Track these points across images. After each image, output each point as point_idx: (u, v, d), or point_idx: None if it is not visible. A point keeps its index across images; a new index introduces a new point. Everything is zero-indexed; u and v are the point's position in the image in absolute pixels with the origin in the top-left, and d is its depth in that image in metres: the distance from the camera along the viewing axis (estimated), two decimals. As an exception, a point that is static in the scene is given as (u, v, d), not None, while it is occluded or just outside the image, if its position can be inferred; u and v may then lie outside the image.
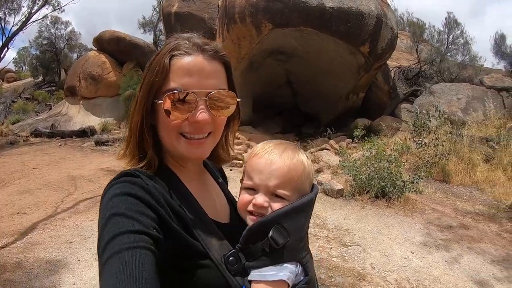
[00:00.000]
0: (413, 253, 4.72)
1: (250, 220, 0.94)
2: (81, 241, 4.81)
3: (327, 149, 10.44)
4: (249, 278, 0.88)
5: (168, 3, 14.36)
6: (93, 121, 13.89)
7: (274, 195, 0.93)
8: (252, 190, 0.95)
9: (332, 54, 12.02)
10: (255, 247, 0.87)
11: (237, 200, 1.06)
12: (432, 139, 8.37)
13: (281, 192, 0.92)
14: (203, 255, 0.85)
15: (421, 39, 14.93)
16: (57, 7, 16.28)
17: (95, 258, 4.22)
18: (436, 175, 8.05)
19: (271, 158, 0.95)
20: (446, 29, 14.33)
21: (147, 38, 21.81)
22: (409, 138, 9.51)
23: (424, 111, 9.22)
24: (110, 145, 10.46)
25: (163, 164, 0.94)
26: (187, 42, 0.89)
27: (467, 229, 5.59)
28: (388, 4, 11.82)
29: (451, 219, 5.99)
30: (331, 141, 11.06)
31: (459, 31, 14.17)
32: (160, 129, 0.91)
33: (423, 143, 8.35)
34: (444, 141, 8.41)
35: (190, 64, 0.87)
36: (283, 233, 0.86)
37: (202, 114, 0.86)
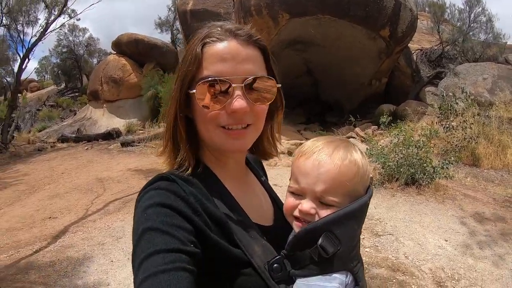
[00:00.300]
0: (447, 240, 4.62)
1: (296, 227, 0.88)
2: (113, 242, 4.92)
3: (353, 137, 10.31)
4: (295, 287, 0.83)
5: (182, 1, 14.39)
6: (118, 123, 14.14)
7: (321, 201, 0.85)
8: (299, 194, 0.88)
9: (351, 40, 11.82)
10: (302, 255, 0.82)
11: (281, 199, 1.03)
12: (460, 122, 8.15)
13: (329, 199, 0.84)
14: (245, 263, 0.80)
15: (442, 19, 14.48)
16: (73, 16, 16.61)
17: (128, 258, 4.30)
18: (466, 159, 7.84)
19: (319, 159, 0.86)
20: (467, 7, 13.85)
21: (165, 37, 22.15)
22: (436, 122, 9.28)
23: (450, 94, 8.96)
24: (136, 145, 10.63)
25: (201, 163, 0.90)
26: (219, 29, 0.85)
27: (500, 215, 5.43)
28: (406, -14, 11.48)
29: (483, 204, 5.83)
30: (357, 129, 10.91)
31: (480, 9, 13.67)
32: (197, 122, 0.87)
33: (450, 126, 8.14)
34: (472, 124, 8.17)
35: (223, 50, 0.82)
36: (333, 241, 0.80)
37: (238, 102, 0.80)
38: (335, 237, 0.81)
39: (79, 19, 29.70)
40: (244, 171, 1.03)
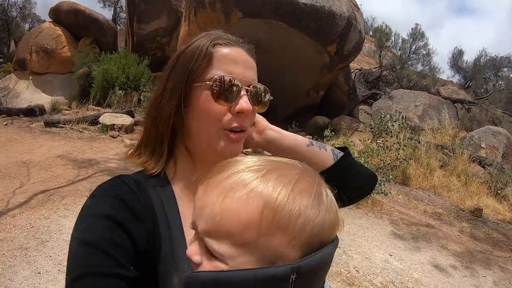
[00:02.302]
0: (391, 255, 4.82)
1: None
2: (38, 246, 4.14)
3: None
4: None
5: (133, -21, 13.55)
6: (43, 99, 12.64)
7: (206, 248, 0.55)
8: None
9: (298, 50, 12.05)
10: None
11: None
12: (394, 143, 8.68)
13: (212, 247, 0.53)
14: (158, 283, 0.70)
15: (384, 45, 15.55)
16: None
17: (59, 270, 3.71)
18: (397, 178, 8.36)
19: (210, 183, 0.56)
20: (411, 39, 15.06)
21: (106, 14, 20.59)
22: (370, 140, 9.79)
23: (388, 115, 9.50)
24: (61, 127, 9.59)
25: (166, 179, 0.84)
26: (226, 36, 0.85)
27: (435, 233, 5.86)
28: (359, 8, 12.07)
29: (417, 221, 6.25)
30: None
31: (422, 43, 15.00)
32: (196, 121, 0.81)
33: (385, 146, 8.63)
34: (405, 146, 8.75)
35: (235, 54, 0.82)
36: None
37: (246, 103, 0.80)
38: None
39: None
40: None
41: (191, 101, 0.82)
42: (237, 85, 0.80)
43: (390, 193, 7.05)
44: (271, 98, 0.90)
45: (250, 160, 0.57)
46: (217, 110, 0.80)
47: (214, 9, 11.11)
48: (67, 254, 0.68)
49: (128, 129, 9.86)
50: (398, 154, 8.45)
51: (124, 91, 11.57)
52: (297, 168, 0.57)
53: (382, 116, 9.65)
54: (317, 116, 12.83)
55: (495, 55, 19.81)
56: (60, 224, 4.64)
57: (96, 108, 11.43)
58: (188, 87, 0.81)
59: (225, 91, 0.79)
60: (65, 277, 0.66)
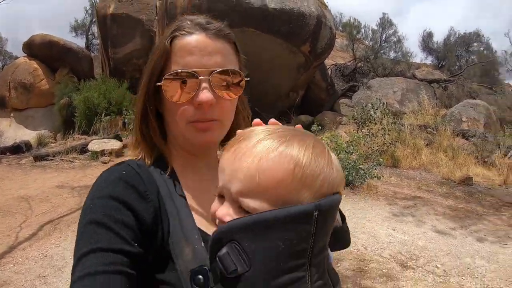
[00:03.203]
0: (394, 230, 5.06)
1: None
2: (55, 272, 4.20)
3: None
4: None
5: (103, 4, 13.58)
6: (27, 134, 12.49)
7: (240, 207, 0.61)
8: (222, 197, 0.66)
9: (273, 54, 12.29)
10: (213, 268, 0.61)
11: None
12: (379, 129, 8.98)
13: (248, 205, 0.59)
14: (170, 263, 0.72)
15: (356, 38, 16.01)
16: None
17: None
18: (387, 162, 8.63)
19: (238, 150, 0.62)
20: (380, 28, 15.57)
21: (79, 42, 20.49)
22: (356, 130, 10.09)
23: (369, 104, 9.82)
24: (51, 159, 9.55)
25: (164, 158, 0.86)
26: (189, 22, 0.84)
27: (430, 204, 6.15)
28: (326, 6, 12.43)
29: (413, 197, 6.53)
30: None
31: (392, 31, 15.52)
32: (167, 117, 0.86)
33: (371, 133, 8.91)
34: (390, 131, 9.06)
35: (191, 43, 0.81)
36: (241, 255, 0.56)
37: (204, 94, 0.78)
38: (243, 251, 0.56)
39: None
40: (212, 178, 0.84)
41: (161, 99, 0.85)
42: (193, 76, 0.79)
43: (383, 176, 7.31)
44: (247, 79, 0.88)
45: (269, 128, 0.64)
46: (179, 105, 0.80)
47: (187, 24, 11.27)
48: (76, 235, 0.71)
49: (119, 153, 9.90)
50: (384, 139, 8.75)
51: (108, 117, 11.59)
52: (310, 135, 0.65)
53: (364, 106, 9.96)
54: (300, 115, 13.09)
55: (463, 32, 20.63)
56: (72, 250, 4.69)
57: (82, 137, 11.41)
58: (152, 85, 0.83)
59: (181, 86, 0.79)
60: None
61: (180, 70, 0.79)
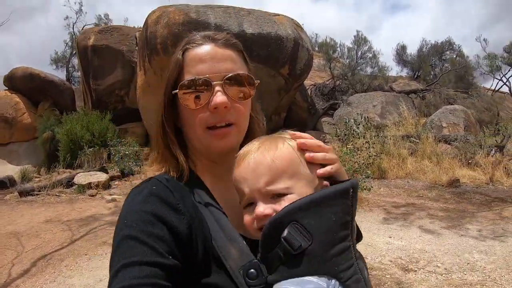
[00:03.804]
0: (391, 237, 5.14)
1: None
2: None
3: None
4: None
5: (83, 36, 13.67)
6: (10, 170, 12.13)
7: (273, 197, 0.75)
8: (251, 205, 0.77)
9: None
10: (272, 255, 0.70)
11: None
12: (363, 144, 9.17)
13: (277, 187, 0.74)
14: (219, 265, 0.76)
15: (332, 57, 16.49)
16: None
17: None
18: (374, 174, 8.79)
19: (249, 159, 0.78)
20: (355, 46, 16.12)
21: (60, 74, 20.38)
22: (341, 147, 10.25)
23: (351, 120, 10.05)
24: (37, 194, 9.33)
25: (189, 169, 0.89)
26: (198, 36, 0.90)
27: (422, 209, 6.30)
28: (302, 28, 12.81)
29: (404, 205, 6.69)
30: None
31: (367, 47, 16.09)
32: (185, 127, 0.90)
33: (356, 148, 9.09)
34: (374, 143, 9.27)
35: (202, 53, 0.86)
36: (302, 233, 0.67)
37: (218, 97, 0.83)
38: (304, 228, 0.68)
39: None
40: None
41: (179, 109, 0.88)
42: (207, 82, 0.83)
43: (372, 187, 7.43)
44: (258, 81, 0.93)
45: (257, 140, 0.83)
46: (195, 112, 0.84)
47: (168, 54, 11.34)
48: (111, 252, 0.73)
49: (105, 185, 9.77)
50: (369, 152, 8.93)
51: (92, 149, 11.47)
52: (277, 136, 0.85)
53: (346, 121, 10.18)
54: (283, 137, 13.22)
55: (435, 42, 21.41)
56: (69, 284, 4.57)
57: (67, 170, 11.22)
58: (169, 97, 0.87)
59: (196, 92, 0.83)
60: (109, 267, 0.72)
61: (193, 78, 0.83)
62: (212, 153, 0.89)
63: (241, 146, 0.91)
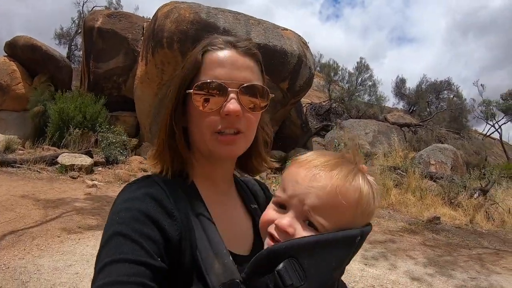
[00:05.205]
0: (366, 265, 5.18)
1: (266, 245, 0.75)
2: (19, 286, 3.96)
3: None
4: None
5: (92, 17, 13.59)
6: None
7: (306, 221, 0.71)
8: (282, 207, 0.75)
9: (252, 89, 12.55)
10: (259, 282, 0.69)
11: None
12: (350, 169, 9.27)
13: (318, 219, 0.70)
14: (199, 277, 0.75)
15: (333, 79, 16.72)
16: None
17: None
18: (357, 200, 8.91)
19: (316, 172, 0.73)
20: (357, 72, 16.40)
21: (61, 51, 20.07)
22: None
23: (342, 144, 10.17)
24: (18, 167, 9.16)
25: (186, 172, 0.90)
26: (220, 40, 0.90)
27: (400, 241, 6.38)
28: (308, 46, 12.96)
29: (382, 234, 6.73)
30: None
31: (368, 75, 16.39)
32: (192, 127, 0.89)
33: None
34: (361, 170, 9.39)
35: (222, 57, 0.86)
36: (297, 271, 0.66)
37: (232, 104, 0.82)
38: (300, 267, 0.66)
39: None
40: (228, 190, 0.99)
41: (188, 109, 0.87)
42: (222, 88, 0.82)
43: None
44: (273, 95, 0.92)
45: (336, 158, 0.78)
46: (206, 115, 0.83)
47: (172, 49, 11.37)
48: (99, 247, 0.71)
49: (88, 170, 9.64)
50: (356, 178, 9.04)
51: (81, 131, 11.33)
52: (355, 164, 0.80)
53: (337, 145, 10.31)
54: (273, 150, 13.27)
55: (435, 80, 21.90)
56: (37, 264, 4.44)
57: (52, 148, 11.03)
58: (181, 94, 0.86)
59: (210, 96, 0.83)
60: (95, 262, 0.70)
61: (211, 81, 0.83)
62: (214, 157, 0.89)
63: (243, 155, 0.92)
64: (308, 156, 0.79)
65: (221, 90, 0.82)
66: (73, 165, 9.40)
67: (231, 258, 0.77)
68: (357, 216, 0.72)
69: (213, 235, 0.79)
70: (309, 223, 0.70)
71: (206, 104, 0.83)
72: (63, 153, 10.06)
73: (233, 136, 0.84)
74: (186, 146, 0.89)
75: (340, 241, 0.69)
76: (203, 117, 0.84)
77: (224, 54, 0.86)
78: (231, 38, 0.89)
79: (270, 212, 0.75)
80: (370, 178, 0.79)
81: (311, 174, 0.72)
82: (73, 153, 10.22)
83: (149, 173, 0.88)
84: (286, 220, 0.71)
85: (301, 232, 0.69)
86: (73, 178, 9.01)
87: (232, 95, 0.82)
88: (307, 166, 0.74)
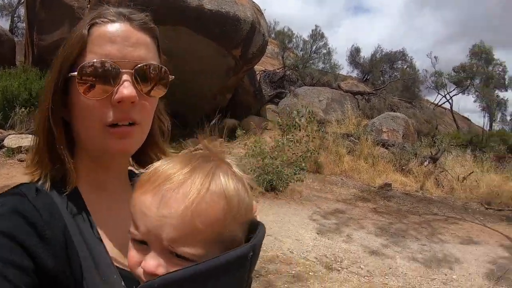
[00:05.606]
0: (319, 233, 5.48)
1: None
2: None
3: (200, 150, 10.72)
4: None
5: (33, -16, 12.52)
6: None
7: (173, 254, 0.57)
8: (144, 242, 0.59)
9: (203, 55, 12.23)
10: None
11: None
12: (303, 136, 9.50)
13: (184, 251, 0.56)
14: None
15: (287, 47, 16.64)
16: None
17: None
18: (310, 168, 9.19)
19: (164, 194, 0.57)
20: (311, 40, 16.38)
21: (3, 24, 18.41)
22: (281, 136, 10.51)
23: (295, 111, 10.33)
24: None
25: (70, 185, 0.72)
26: (112, 10, 0.74)
27: (352, 208, 6.81)
28: (262, 13, 12.76)
29: (335, 202, 7.11)
30: (204, 141, 11.32)
31: (322, 43, 16.43)
32: (76, 120, 0.73)
33: (295, 140, 9.40)
34: (314, 138, 9.65)
35: (113, 32, 0.71)
36: None
37: (126, 89, 0.68)
38: None
39: None
40: (121, 193, 0.80)
41: (71, 98, 0.72)
42: (113, 69, 0.69)
43: (306, 177, 7.77)
44: (172, 77, 0.80)
45: (182, 163, 0.62)
46: (93, 104, 0.69)
47: (119, 18, 10.85)
48: None
49: (38, 150, 9.27)
50: (308, 146, 9.29)
51: (27, 109, 10.76)
52: (214, 158, 0.66)
53: (290, 112, 10.46)
54: (226, 119, 13.28)
55: (389, 50, 22.19)
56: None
57: (-4, 130, 10.46)
58: (62, 80, 0.71)
59: (99, 80, 0.68)
60: None
61: (98, 60, 0.68)
62: (106, 156, 0.76)
63: (139, 150, 0.79)
64: (151, 172, 0.61)
65: (112, 72, 0.69)
66: (20, 146, 8.99)
67: (123, 283, 0.67)
68: (232, 222, 0.59)
69: (101, 257, 0.68)
70: (177, 255, 0.56)
71: (93, 90, 0.68)
72: (9, 135, 9.57)
73: (128, 127, 0.71)
74: (68, 145, 0.74)
75: (224, 267, 0.54)
76: (90, 107, 0.69)
77: (115, 28, 0.71)
78: (125, 10, 0.75)
79: (132, 253, 0.61)
80: (235, 169, 0.65)
81: (158, 199, 0.57)
82: (20, 133, 9.75)
83: (26, 181, 0.73)
84: (152, 262, 0.57)
85: (172, 268, 0.55)
86: (21, 160, 8.63)
87: (125, 77, 0.69)
88: (152, 188, 0.59)
